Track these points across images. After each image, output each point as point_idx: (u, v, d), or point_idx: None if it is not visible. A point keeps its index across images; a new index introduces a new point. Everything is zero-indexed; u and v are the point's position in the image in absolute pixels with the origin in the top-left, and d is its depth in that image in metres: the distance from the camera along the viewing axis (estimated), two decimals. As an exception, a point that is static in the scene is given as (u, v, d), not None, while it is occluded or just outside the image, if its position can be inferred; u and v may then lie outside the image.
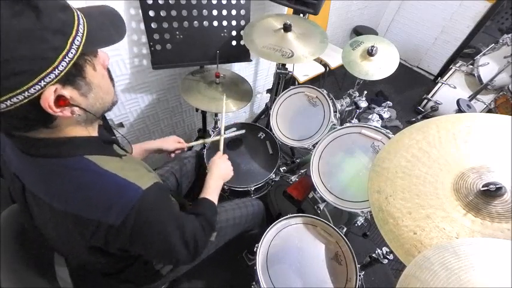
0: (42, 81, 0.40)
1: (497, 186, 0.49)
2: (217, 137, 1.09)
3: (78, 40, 0.42)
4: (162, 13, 1.02)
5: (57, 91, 0.42)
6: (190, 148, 1.11)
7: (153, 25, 1.04)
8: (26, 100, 0.40)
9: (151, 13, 1.01)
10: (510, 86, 2.02)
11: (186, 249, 0.63)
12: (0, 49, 0.36)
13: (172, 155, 1.05)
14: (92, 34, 0.45)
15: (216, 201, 0.83)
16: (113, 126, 1.28)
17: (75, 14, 0.43)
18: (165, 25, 1.06)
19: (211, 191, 0.84)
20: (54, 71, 0.40)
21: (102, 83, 0.51)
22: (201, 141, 1.11)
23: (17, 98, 0.39)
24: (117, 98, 0.59)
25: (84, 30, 0.44)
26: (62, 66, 0.41)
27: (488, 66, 2.11)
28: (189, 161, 1.15)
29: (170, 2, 1.02)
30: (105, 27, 0.49)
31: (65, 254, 0.70)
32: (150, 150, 0.98)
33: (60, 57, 0.40)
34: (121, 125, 1.41)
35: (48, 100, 0.41)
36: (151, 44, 1.07)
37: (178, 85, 1.43)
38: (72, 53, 0.42)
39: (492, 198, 0.51)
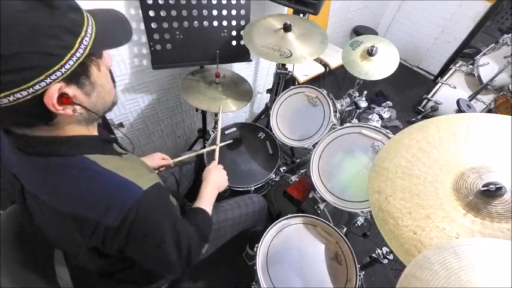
0: (48, 78, 0.40)
1: (497, 186, 0.49)
2: (210, 148, 1.09)
3: (86, 40, 0.44)
4: (162, 13, 1.02)
5: (61, 89, 0.43)
6: (178, 163, 1.08)
7: (153, 25, 1.04)
8: (30, 96, 0.40)
9: (151, 13, 1.01)
10: (510, 86, 2.02)
11: (179, 257, 0.60)
12: (12, 42, 0.36)
13: (156, 171, 1.02)
14: (100, 36, 0.46)
15: (210, 211, 0.81)
16: (114, 126, 1.29)
17: (85, 15, 0.45)
18: (165, 25, 1.06)
19: (206, 201, 0.83)
20: (61, 69, 0.41)
21: (105, 83, 0.52)
22: (186, 156, 1.08)
23: (21, 94, 0.39)
24: (117, 99, 0.59)
25: (92, 32, 0.45)
26: (69, 64, 0.42)
27: (488, 66, 2.11)
28: (189, 161, 1.15)
29: (170, 2, 1.02)
30: (112, 30, 0.51)
31: (67, 252, 0.70)
32: None
33: (68, 55, 0.41)
34: (121, 125, 1.41)
35: (51, 98, 0.41)
36: (151, 44, 1.07)
37: (178, 85, 1.43)
38: (80, 52, 0.43)
39: (492, 198, 0.51)
